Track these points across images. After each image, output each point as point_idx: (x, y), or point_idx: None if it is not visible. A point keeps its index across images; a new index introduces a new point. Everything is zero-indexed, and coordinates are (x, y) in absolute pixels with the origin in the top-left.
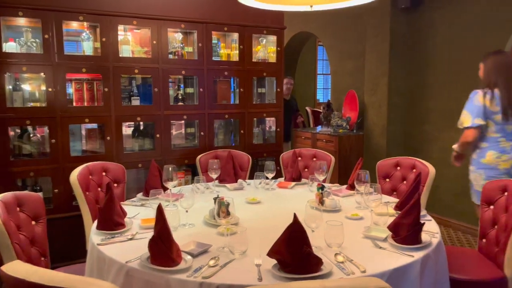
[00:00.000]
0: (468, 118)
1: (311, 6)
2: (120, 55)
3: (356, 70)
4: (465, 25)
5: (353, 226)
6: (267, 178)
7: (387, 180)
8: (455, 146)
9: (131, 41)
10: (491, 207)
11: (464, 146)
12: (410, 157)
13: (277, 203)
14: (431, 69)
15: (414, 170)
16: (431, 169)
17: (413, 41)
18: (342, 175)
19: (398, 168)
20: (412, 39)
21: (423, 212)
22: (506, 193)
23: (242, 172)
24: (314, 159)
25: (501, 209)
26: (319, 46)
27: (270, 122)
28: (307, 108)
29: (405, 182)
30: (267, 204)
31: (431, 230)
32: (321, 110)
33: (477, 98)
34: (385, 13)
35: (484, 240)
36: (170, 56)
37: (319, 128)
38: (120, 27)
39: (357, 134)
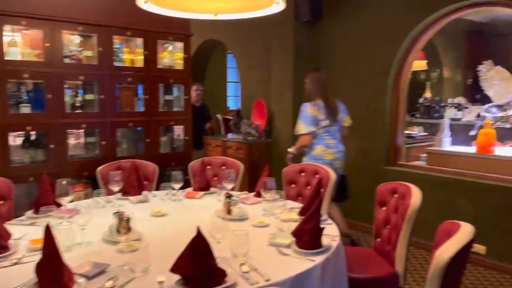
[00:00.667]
0: (303, 127)
1: (215, 15)
2: (6, 58)
3: (264, 79)
4: (361, 38)
5: (259, 233)
6: (173, 188)
7: (293, 185)
8: (291, 149)
9: (20, 43)
10: (384, 208)
11: (301, 149)
12: (313, 163)
13: (184, 214)
14: (338, 79)
15: (317, 176)
16: (332, 174)
17: (314, 54)
18: (252, 182)
19: (303, 174)
20: (314, 51)
21: (324, 216)
22: (395, 195)
23: (148, 184)
24: (224, 167)
25: (392, 210)
26: (228, 54)
27: (179, 130)
28: (218, 116)
29: (309, 187)
30: (173, 216)
31: (331, 233)
32: (231, 118)
33: (307, 110)
34: (289, 25)
35: (378, 239)
36: (66, 60)
37: (229, 136)
38: (7, 27)
39: (266, 141)
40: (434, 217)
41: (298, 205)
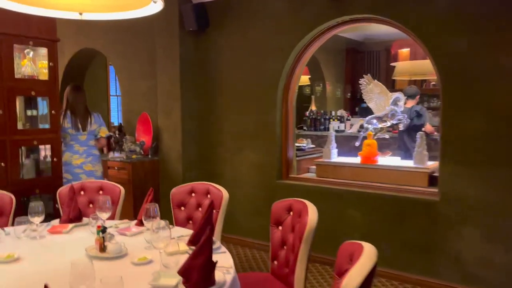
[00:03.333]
0: None
1: (80, 14)
2: None
3: (149, 91)
4: (248, 50)
5: (140, 274)
6: (31, 223)
7: (183, 208)
8: None
9: None
10: (280, 227)
11: None
12: (204, 182)
13: (44, 257)
14: (219, 92)
15: (209, 196)
16: (225, 193)
17: (201, 64)
18: (137, 207)
19: (193, 194)
20: (201, 62)
21: (216, 244)
22: (291, 213)
23: (2, 218)
24: (101, 192)
25: (289, 229)
26: (110, 65)
27: (46, 151)
28: None
29: (200, 209)
30: (29, 261)
31: (224, 265)
32: (112, 134)
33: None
34: (174, 35)
35: (275, 262)
36: None
37: (112, 154)
38: None
39: (152, 159)
40: (328, 229)
41: (188, 232)
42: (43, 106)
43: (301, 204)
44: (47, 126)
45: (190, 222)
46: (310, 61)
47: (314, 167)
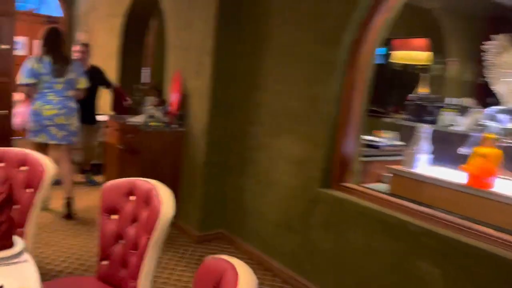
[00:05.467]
0: (21, 77)
1: None
2: None
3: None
4: None
5: None
6: None
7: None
8: None
9: None
10: (114, 216)
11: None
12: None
13: None
14: (262, 50)
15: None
16: (49, 169)
17: (244, 8)
18: None
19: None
20: (244, 5)
21: (18, 247)
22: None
23: None
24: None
25: (128, 218)
26: None
27: None
28: None
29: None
30: None
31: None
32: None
33: (30, 62)
34: None
35: (105, 262)
36: None
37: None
38: None
39: (175, 130)
40: (383, 284)
41: None
42: None
43: (148, 185)
44: None
45: None
46: (428, 28)
47: (390, 175)
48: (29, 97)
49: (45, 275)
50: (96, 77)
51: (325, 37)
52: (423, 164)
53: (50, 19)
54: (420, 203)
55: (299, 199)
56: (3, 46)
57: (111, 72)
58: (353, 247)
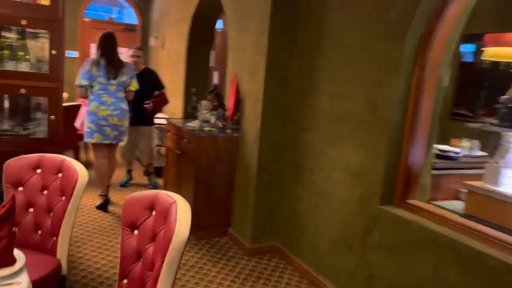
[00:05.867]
0: (77, 79)
1: None
2: None
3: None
4: None
5: None
6: None
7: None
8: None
9: None
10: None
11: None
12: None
13: None
14: (320, 48)
15: (60, 175)
16: (83, 175)
17: (301, 4)
18: (198, 194)
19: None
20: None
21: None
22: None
23: None
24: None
25: (148, 235)
26: None
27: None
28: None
29: (45, 192)
30: None
31: None
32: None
33: (87, 64)
34: None
35: (125, 282)
36: None
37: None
38: None
39: (230, 135)
40: None
41: None
42: (40, 44)
43: (169, 199)
44: (38, 70)
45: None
46: None
47: (466, 192)
48: (84, 98)
49: (93, 280)
50: (149, 79)
51: (388, 32)
52: (510, 182)
53: (128, 27)
54: (503, 230)
55: (357, 215)
56: (53, 52)
57: (180, 76)
58: (420, 279)
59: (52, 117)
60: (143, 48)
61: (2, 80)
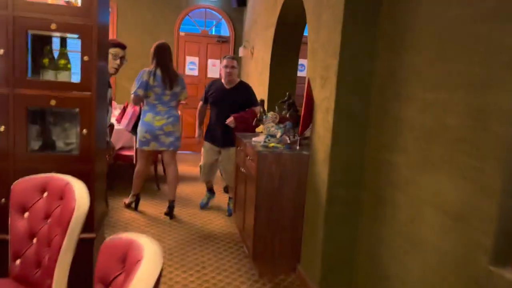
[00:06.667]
0: (133, 87)
1: None
2: None
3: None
4: None
5: None
6: None
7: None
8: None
9: None
10: (26, 214)
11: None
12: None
13: None
14: (407, 43)
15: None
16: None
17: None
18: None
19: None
20: None
21: None
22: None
23: None
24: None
25: (40, 216)
26: None
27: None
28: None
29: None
30: None
31: None
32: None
33: (143, 74)
34: None
35: (18, 262)
36: None
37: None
38: None
39: (299, 153)
40: None
41: None
42: (74, 48)
43: (63, 181)
44: (75, 79)
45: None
46: None
47: None
48: (137, 105)
49: None
50: (242, 95)
51: (502, 10)
52: None
53: (220, 38)
54: None
55: (455, 275)
56: (86, 58)
57: (265, 86)
58: None
59: (84, 131)
60: (237, 57)
61: (30, 90)
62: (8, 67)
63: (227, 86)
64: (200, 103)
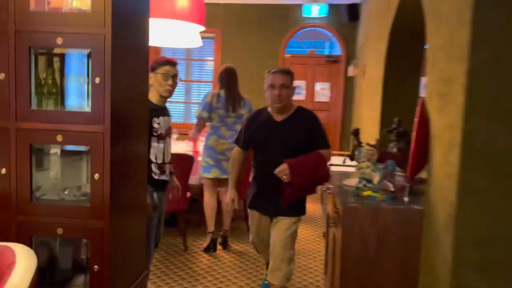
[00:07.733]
0: (198, 110)
1: None
2: None
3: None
4: None
5: None
6: None
7: None
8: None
9: None
10: None
11: (196, 133)
12: None
13: None
14: None
15: None
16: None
17: None
18: None
19: None
20: None
21: None
22: None
23: None
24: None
25: None
26: None
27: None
28: None
29: None
30: None
31: None
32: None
33: (207, 96)
34: None
35: None
36: None
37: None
38: None
39: (406, 208)
40: None
41: None
42: (81, 69)
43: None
44: (85, 108)
45: None
46: None
47: None
48: (199, 130)
49: None
50: (299, 128)
51: None
52: None
53: (330, 58)
54: None
55: None
56: (97, 80)
57: (376, 110)
58: None
59: (96, 175)
60: (292, 72)
61: (33, 124)
62: (10, 95)
63: (277, 118)
64: (236, 148)
